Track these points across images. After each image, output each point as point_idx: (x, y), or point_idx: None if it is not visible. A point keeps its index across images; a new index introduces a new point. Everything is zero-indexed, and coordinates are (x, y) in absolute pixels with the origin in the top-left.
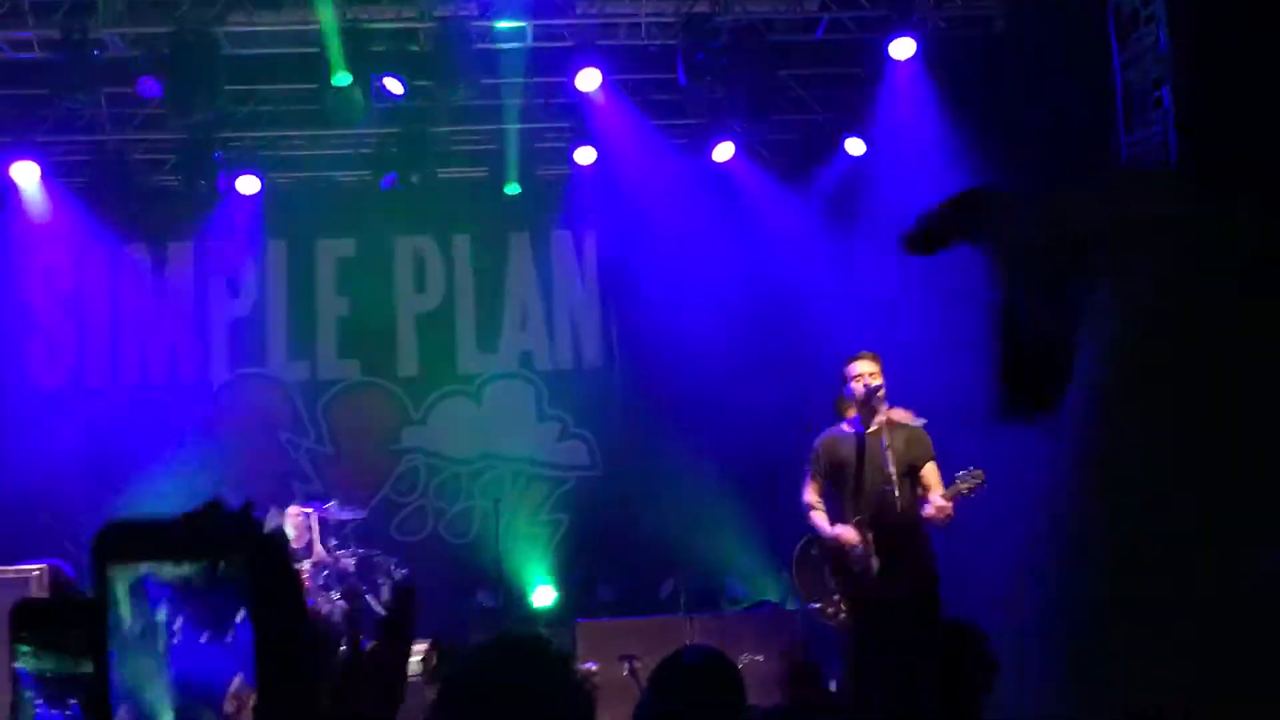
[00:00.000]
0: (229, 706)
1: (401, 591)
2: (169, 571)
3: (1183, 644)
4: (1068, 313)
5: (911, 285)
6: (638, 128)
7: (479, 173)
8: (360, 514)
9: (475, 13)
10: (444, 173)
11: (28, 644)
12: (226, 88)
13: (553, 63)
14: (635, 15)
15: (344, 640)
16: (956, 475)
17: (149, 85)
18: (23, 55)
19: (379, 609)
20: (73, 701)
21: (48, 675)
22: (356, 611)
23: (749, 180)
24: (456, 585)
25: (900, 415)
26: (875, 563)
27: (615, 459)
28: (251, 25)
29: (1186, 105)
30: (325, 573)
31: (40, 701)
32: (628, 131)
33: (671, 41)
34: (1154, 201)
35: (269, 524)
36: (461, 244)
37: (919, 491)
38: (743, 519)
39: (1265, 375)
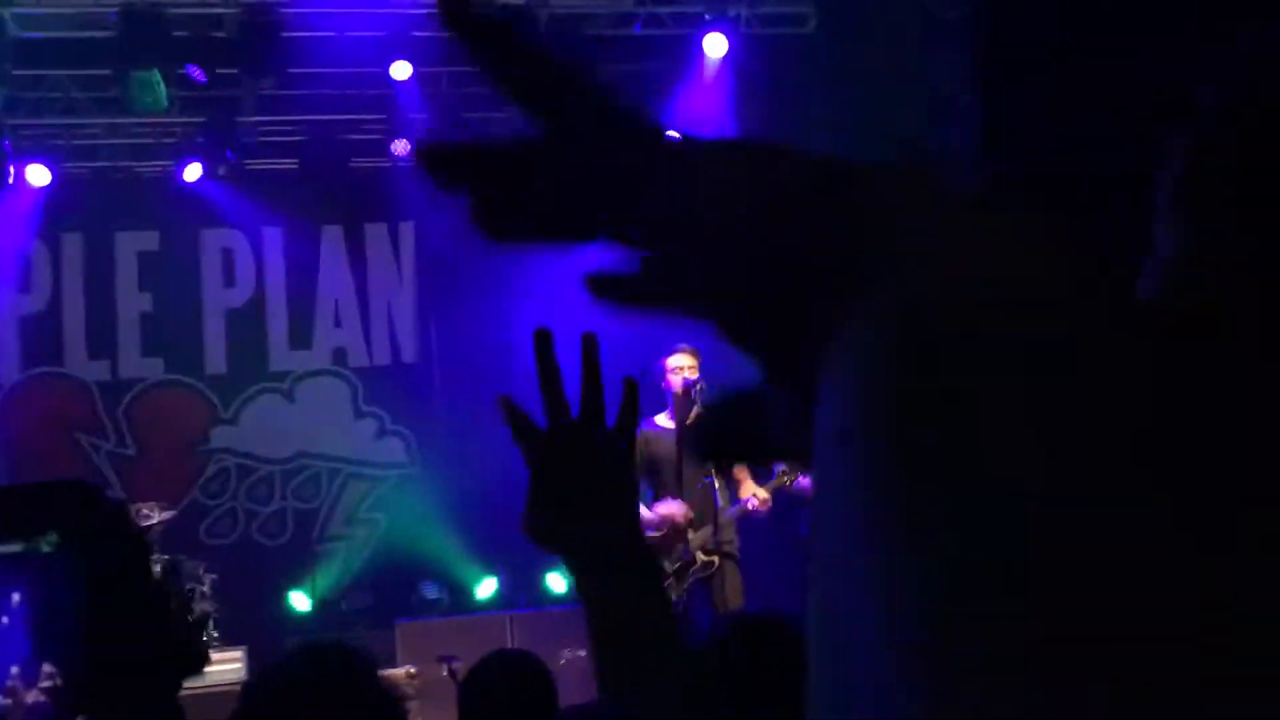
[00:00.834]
0: (3, 700)
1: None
2: None
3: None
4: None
5: None
6: (453, 120)
7: (290, 164)
8: (170, 513)
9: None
10: (252, 164)
11: None
12: (15, 72)
13: (365, 53)
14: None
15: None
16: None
17: None
18: None
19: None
20: None
21: None
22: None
23: None
24: (269, 589)
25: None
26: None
27: (434, 456)
28: (40, 7)
29: (995, 114)
30: None
31: None
32: (443, 124)
33: None
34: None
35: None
36: (272, 237)
37: (736, 484)
38: None
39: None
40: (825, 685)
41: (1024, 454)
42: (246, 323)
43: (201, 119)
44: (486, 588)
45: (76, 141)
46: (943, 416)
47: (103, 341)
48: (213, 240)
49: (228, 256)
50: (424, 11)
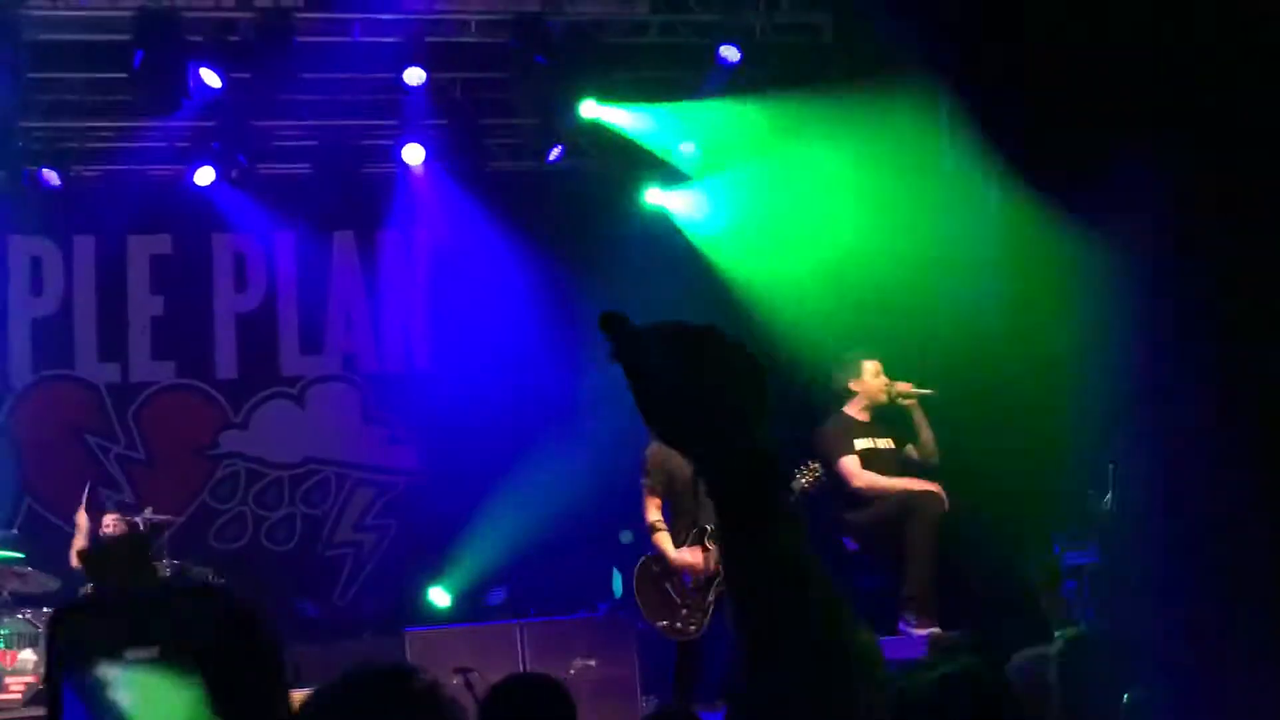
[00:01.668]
0: None
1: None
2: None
3: None
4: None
5: None
6: (467, 126)
7: (302, 169)
8: (178, 519)
9: (299, 4)
10: (265, 168)
11: None
12: (29, 75)
13: (379, 58)
14: (464, 13)
15: None
16: (795, 471)
17: None
18: None
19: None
20: None
21: None
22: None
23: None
24: (278, 594)
25: None
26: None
27: (444, 462)
28: (55, 9)
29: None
30: None
31: None
32: (456, 131)
33: (500, 40)
34: None
35: (81, 533)
36: (284, 242)
37: None
38: (575, 522)
39: None
40: None
41: None
42: (257, 327)
43: (214, 123)
44: (495, 596)
45: (89, 144)
46: None
47: (114, 345)
48: (224, 244)
49: (239, 261)
50: (436, 17)
